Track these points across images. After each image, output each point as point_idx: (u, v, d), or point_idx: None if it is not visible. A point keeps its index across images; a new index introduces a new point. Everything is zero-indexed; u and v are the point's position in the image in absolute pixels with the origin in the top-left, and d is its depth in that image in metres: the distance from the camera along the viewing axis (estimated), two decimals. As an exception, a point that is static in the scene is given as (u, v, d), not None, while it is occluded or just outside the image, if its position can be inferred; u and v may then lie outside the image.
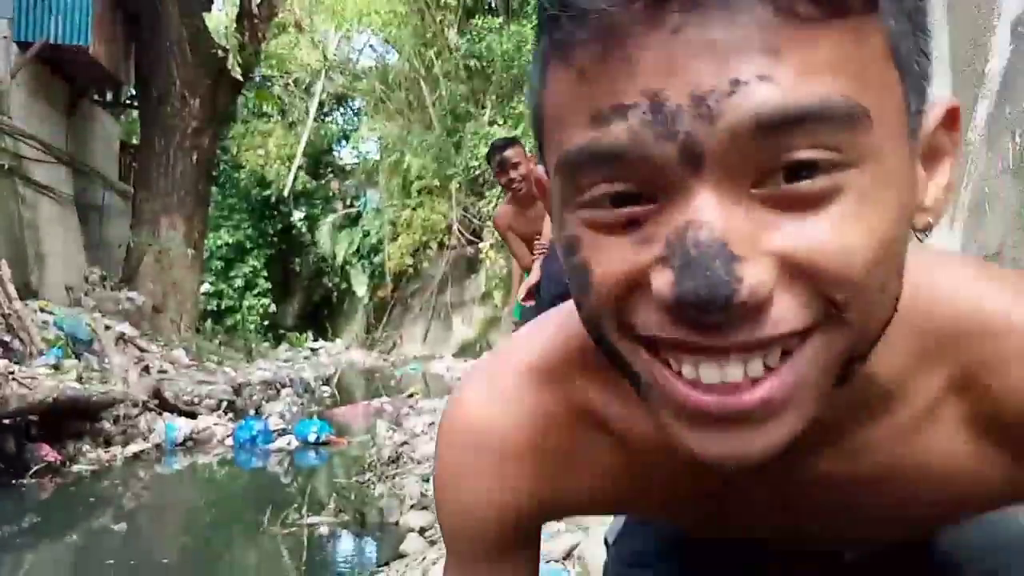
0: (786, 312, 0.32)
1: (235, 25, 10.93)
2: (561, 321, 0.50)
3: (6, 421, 4.66)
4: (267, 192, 17.24)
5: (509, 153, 3.08)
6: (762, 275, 0.31)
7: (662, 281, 0.32)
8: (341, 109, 20.17)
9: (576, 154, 0.34)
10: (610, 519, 0.78)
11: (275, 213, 18.40)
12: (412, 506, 3.51)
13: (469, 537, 0.54)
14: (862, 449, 0.44)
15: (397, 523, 3.46)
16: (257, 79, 15.51)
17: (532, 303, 3.22)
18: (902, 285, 0.36)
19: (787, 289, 0.32)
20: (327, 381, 9.48)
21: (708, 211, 0.31)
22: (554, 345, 0.49)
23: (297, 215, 17.81)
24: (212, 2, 12.67)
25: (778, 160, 0.31)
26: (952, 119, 0.38)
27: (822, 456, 0.44)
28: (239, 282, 17.94)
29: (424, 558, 2.72)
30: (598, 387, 0.47)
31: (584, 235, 0.35)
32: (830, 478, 0.45)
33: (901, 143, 0.34)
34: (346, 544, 3.57)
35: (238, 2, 11.09)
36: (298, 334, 16.43)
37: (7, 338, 6.42)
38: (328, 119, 19.68)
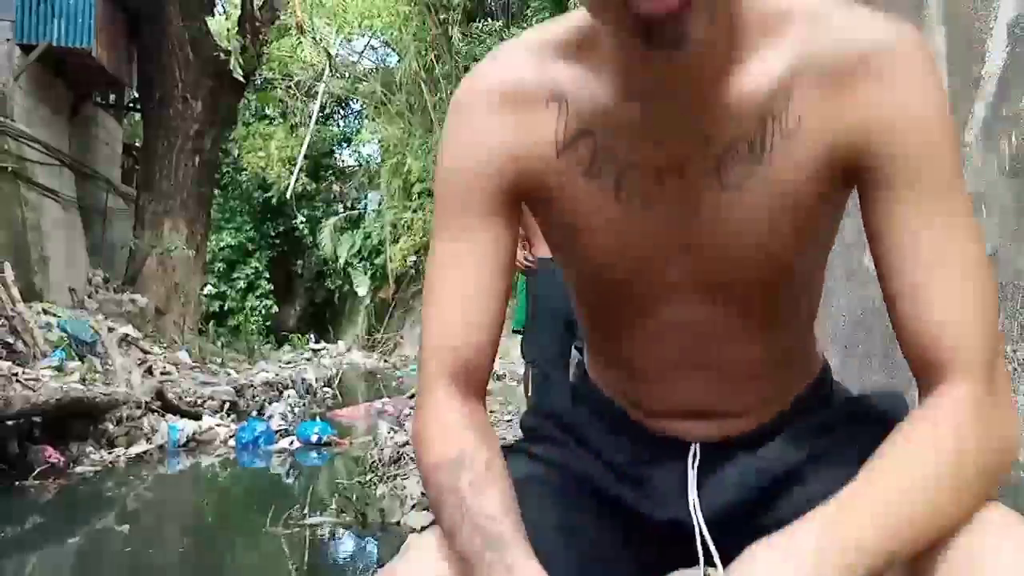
0: None
1: (237, 28, 10.95)
2: (555, 23, 0.68)
3: (9, 423, 4.67)
4: (269, 194, 17.27)
5: None
6: None
7: None
8: (342, 112, 20.21)
9: None
10: None
11: (277, 215, 18.43)
12: (413, 506, 3.51)
13: (460, 191, 0.67)
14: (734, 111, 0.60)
15: (399, 523, 3.47)
16: (259, 82, 15.55)
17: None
18: None
19: None
20: (329, 382, 9.49)
21: None
22: (541, 34, 0.67)
23: (299, 217, 17.83)
24: (214, 5, 12.71)
25: None
26: None
27: (710, 111, 0.60)
28: (241, 284, 17.97)
29: (425, 558, 2.73)
30: (565, 67, 0.64)
31: None
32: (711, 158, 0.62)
33: None
34: (348, 544, 3.58)
35: (240, 5, 11.12)
36: (300, 335, 16.42)
37: (11, 340, 6.44)
38: (329, 122, 19.72)
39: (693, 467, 0.70)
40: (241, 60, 10.46)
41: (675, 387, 0.70)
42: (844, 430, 0.69)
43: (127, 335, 8.03)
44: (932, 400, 0.57)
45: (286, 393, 8.18)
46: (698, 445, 0.71)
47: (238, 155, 17.67)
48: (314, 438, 5.90)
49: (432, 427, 0.64)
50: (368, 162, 18.50)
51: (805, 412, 0.72)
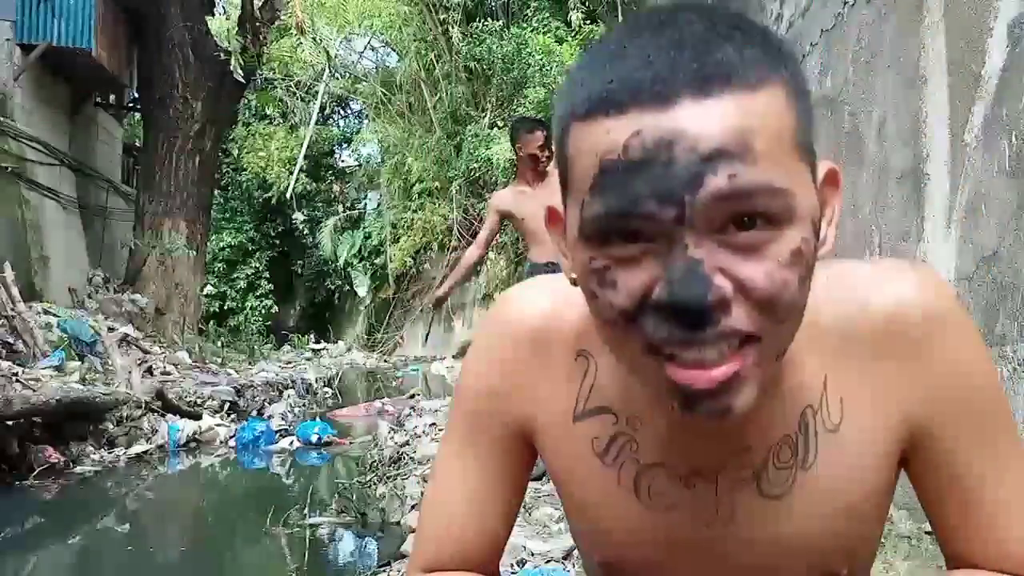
0: (741, 317, 0.45)
1: (237, 28, 10.95)
2: None
3: (10, 423, 4.67)
4: (269, 194, 17.28)
5: (546, 133, 3.24)
6: (725, 285, 0.45)
7: (662, 292, 0.45)
8: (342, 112, 20.22)
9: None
10: None
11: (277, 215, 18.43)
12: (413, 506, 3.51)
13: (476, 413, 0.64)
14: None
15: (399, 523, 3.47)
16: (259, 82, 15.54)
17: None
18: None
19: (741, 304, 0.45)
20: (329, 382, 9.49)
21: (692, 249, 0.44)
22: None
23: (299, 217, 17.83)
24: (214, 5, 12.71)
25: (733, 215, 0.44)
26: (833, 178, 0.52)
27: (760, 468, 0.56)
28: (241, 284, 17.97)
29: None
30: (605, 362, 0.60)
31: (606, 265, 0.47)
32: (759, 503, 0.57)
33: (812, 209, 0.47)
34: (348, 544, 3.58)
35: (240, 5, 11.12)
36: (300, 335, 16.41)
37: (11, 340, 6.44)
38: (329, 122, 19.71)
39: None
40: (241, 60, 10.45)
41: None
42: None
43: (127, 335, 8.03)
44: None
45: (286, 393, 8.18)
46: None
47: (238, 155, 17.66)
48: (314, 438, 5.91)
49: None
50: (368, 162, 18.48)
51: None
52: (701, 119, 0.43)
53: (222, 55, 10.49)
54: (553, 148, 3.38)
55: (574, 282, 0.51)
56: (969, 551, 0.58)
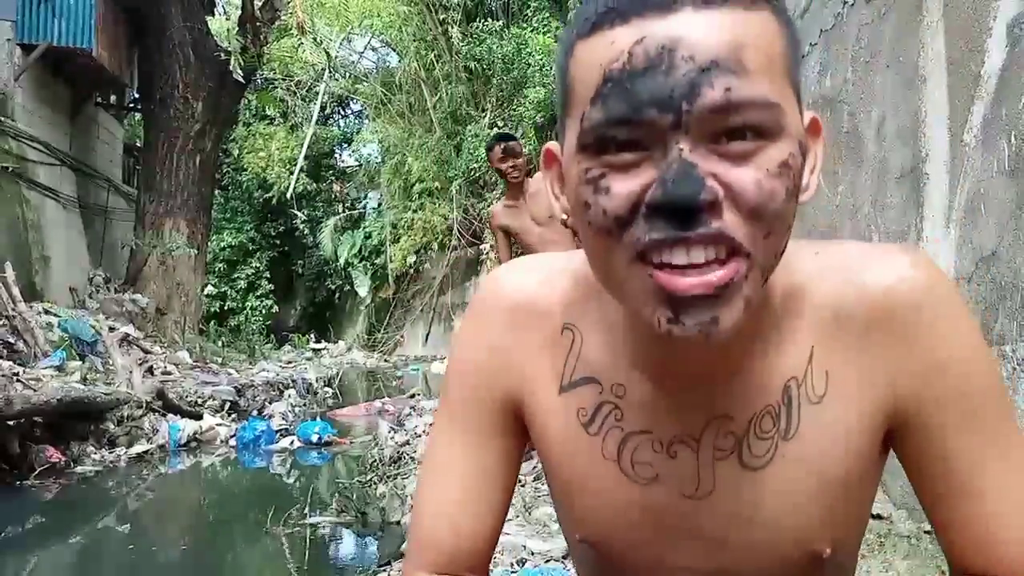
0: (731, 223, 0.47)
1: (238, 28, 10.95)
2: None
3: (11, 422, 4.68)
4: (269, 194, 17.29)
5: (513, 143, 3.52)
6: (717, 187, 0.46)
7: (656, 191, 0.46)
8: (342, 112, 20.21)
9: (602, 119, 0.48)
10: None
11: (277, 215, 18.44)
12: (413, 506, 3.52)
13: (466, 398, 0.65)
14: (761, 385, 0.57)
15: (399, 523, 3.48)
16: (259, 82, 15.55)
17: None
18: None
19: (731, 210, 0.47)
20: (329, 382, 9.49)
21: (686, 153, 0.46)
22: (573, 262, 0.64)
23: (300, 217, 17.83)
24: (215, 5, 12.71)
25: (726, 127, 0.46)
26: (815, 126, 0.54)
27: (740, 385, 0.57)
28: (242, 284, 17.97)
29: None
30: (584, 304, 0.62)
31: (602, 172, 0.48)
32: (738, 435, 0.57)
33: (798, 132, 0.49)
34: (348, 544, 3.59)
35: (241, 5, 11.12)
36: (300, 335, 16.42)
37: (12, 340, 6.45)
38: (329, 122, 19.71)
39: None
40: (242, 60, 10.46)
41: None
42: None
43: (128, 335, 8.03)
44: None
45: (287, 393, 8.19)
46: None
47: (239, 155, 17.66)
48: (314, 438, 5.91)
49: None
50: (368, 162, 18.48)
51: None
52: (701, 27, 0.45)
53: (223, 55, 10.49)
54: (518, 155, 3.49)
55: (565, 223, 0.56)
56: (962, 547, 0.57)
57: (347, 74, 17.22)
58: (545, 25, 12.66)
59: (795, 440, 0.56)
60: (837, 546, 0.59)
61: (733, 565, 0.59)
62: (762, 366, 0.56)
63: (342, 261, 17.19)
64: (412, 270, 15.42)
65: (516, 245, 3.68)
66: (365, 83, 16.84)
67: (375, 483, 4.20)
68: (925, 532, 2.17)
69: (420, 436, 5.08)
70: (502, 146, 3.49)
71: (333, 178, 19.51)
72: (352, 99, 18.28)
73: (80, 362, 6.67)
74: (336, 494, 4.06)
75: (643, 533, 0.59)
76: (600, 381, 0.59)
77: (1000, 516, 0.56)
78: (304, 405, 7.94)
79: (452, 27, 13.21)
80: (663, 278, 0.47)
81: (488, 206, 12.17)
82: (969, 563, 0.57)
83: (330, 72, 16.04)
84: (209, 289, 15.96)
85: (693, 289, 0.46)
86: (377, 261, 16.63)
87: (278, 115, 17.85)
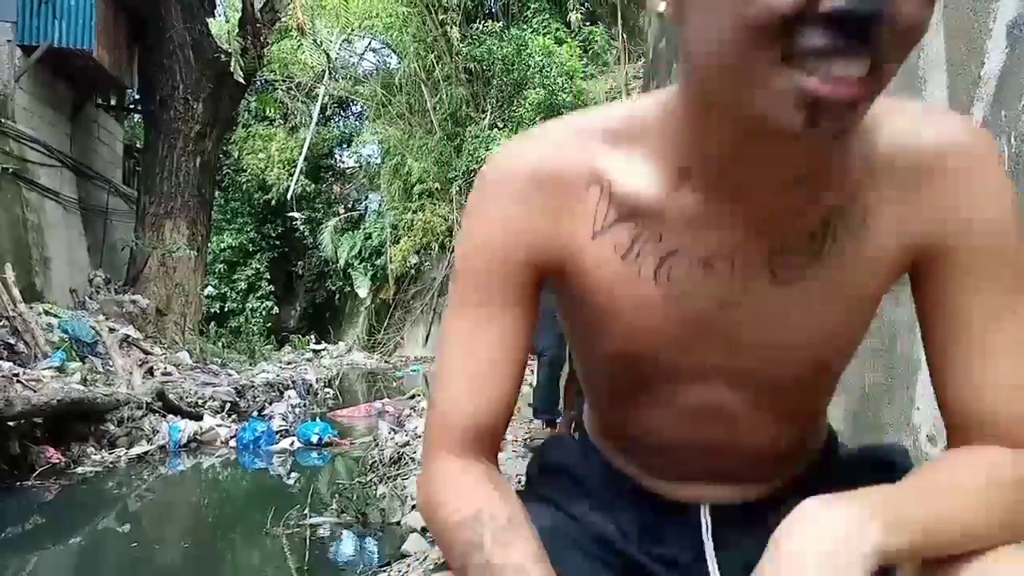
0: (888, 40, 0.47)
1: (238, 29, 10.96)
2: (597, 111, 0.66)
3: (11, 423, 4.68)
4: (269, 196, 17.30)
5: None
6: (892, 5, 0.46)
7: (840, 0, 0.45)
8: (342, 113, 20.21)
9: None
10: None
11: (277, 216, 18.45)
12: (413, 506, 3.52)
13: (481, 276, 0.64)
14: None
15: (399, 523, 3.48)
16: (259, 83, 15.56)
17: None
18: None
19: (889, 30, 0.47)
20: (329, 383, 9.50)
21: None
22: (584, 119, 0.65)
23: (299, 218, 17.84)
24: (215, 7, 12.72)
25: None
26: None
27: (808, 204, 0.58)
28: (242, 285, 17.97)
29: (426, 558, 2.74)
30: (610, 152, 0.62)
31: None
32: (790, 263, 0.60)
33: None
34: (348, 544, 3.59)
35: (241, 7, 11.13)
36: (300, 336, 16.43)
37: (12, 341, 6.45)
38: (329, 123, 19.73)
39: (707, 533, 0.70)
40: (242, 62, 10.46)
41: (689, 457, 0.69)
42: (855, 484, 0.70)
43: (128, 336, 8.04)
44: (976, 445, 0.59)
45: (287, 394, 8.19)
46: (707, 509, 0.71)
47: (239, 156, 17.68)
48: (315, 438, 5.91)
49: (444, 490, 0.63)
50: (368, 163, 18.50)
51: (818, 473, 0.72)
52: None
53: (223, 56, 10.50)
54: None
55: (672, 19, 0.53)
56: (963, 400, 0.59)
57: (347, 75, 17.24)
58: (545, 26, 12.68)
59: (825, 263, 0.59)
60: (840, 360, 0.66)
61: (754, 370, 0.63)
62: (809, 189, 0.58)
63: (342, 262, 17.19)
64: (412, 271, 15.43)
65: None
66: (365, 84, 16.86)
67: (375, 484, 4.20)
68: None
69: (420, 436, 5.08)
70: None
71: (333, 179, 19.52)
72: (352, 100, 18.30)
73: (80, 363, 6.68)
74: (336, 495, 4.06)
75: (676, 336, 0.62)
76: (635, 217, 0.61)
77: (1006, 373, 0.58)
78: (304, 406, 7.94)
79: (452, 28, 13.23)
80: (815, 84, 0.47)
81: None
82: (965, 414, 0.60)
83: (330, 74, 16.05)
84: (209, 290, 15.96)
85: (849, 99, 0.47)
86: (377, 262, 16.64)
87: (278, 116, 17.87)
